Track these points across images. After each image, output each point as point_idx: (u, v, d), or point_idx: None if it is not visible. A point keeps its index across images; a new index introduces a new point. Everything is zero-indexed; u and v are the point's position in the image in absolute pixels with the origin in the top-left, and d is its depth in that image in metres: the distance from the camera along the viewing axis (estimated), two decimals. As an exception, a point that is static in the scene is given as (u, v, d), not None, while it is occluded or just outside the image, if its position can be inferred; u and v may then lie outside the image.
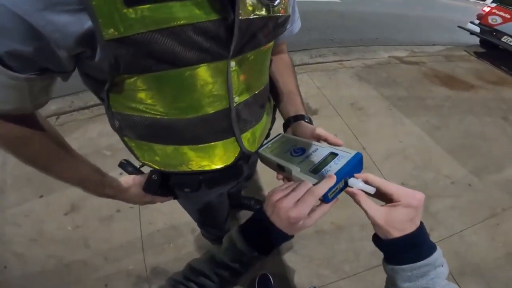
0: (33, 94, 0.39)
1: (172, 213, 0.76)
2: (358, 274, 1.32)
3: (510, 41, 3.46)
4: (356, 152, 0.44)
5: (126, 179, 0.58)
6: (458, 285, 1.30)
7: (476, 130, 2.36)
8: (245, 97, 0.51)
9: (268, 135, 0.70)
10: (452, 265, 1.36)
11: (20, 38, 0.31)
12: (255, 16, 0.43)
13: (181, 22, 0.36)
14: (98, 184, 0.54)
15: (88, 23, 0.32)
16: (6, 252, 1.35)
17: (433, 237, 1.46)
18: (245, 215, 1.55)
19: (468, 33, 4.02)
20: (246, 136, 0.56)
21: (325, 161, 0.44)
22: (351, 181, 0.41)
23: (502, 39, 3.52)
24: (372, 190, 0.39)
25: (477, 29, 3.88)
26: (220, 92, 0.46)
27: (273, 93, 0.65)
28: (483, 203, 1.74)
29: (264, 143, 0.58)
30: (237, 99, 0.49)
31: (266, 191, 1.67)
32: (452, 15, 6.64)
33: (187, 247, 1.37)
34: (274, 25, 0.49)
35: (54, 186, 1.58)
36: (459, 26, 4.15)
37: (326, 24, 5.33)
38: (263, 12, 0.44)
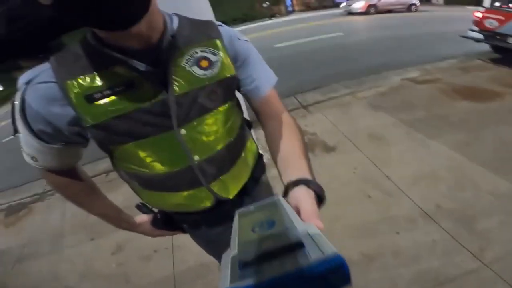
0: (64, 157, 0.62)
1: (201, 252, 1.02)
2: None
3: (517, 42, 3.53)
4: (334, 253, 0.28)
5: (140, 217, 0.83)
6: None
7: (512, 139, 2.42)
8: (205, 155, 0.65)
9: (257, 179, 0.84)
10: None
11: (41, 122, 0.53)
12: (192, 89, 0.57)
13: (130, 109, 0.53)
14: (116, 218, 0.79)
15: (72, 113, 0.52)
16: (58, 286, 1.85)
17: (487, 258, 1.52)
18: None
19: (474, 41, 4.21)
20: (215, 185, 0.70)
21: (281, 252, 0.32)
22: None
23: (508, 41, 3.65)
24: None
25: (480, 35, 4.06)
26: (178, 154, 0.62)
27: (274, 162, 0.65)
28: (540, 214, 1.71)
29: (255, 203, 0.49)
30: (197, 158, 0.64)
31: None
32: (457, 26, 6.92)
33: (215, 282, 1.62)
34: (220, 88, 0.62)
35: (103, 230, 2.13)
36: (461, 36, 4.38)
37: (334, 58, 5.87)
38: (201, 83, 0.58)
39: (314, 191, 0.50)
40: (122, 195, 2.30)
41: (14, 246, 2.34)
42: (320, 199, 0.50)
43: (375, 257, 1.64)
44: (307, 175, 0.54)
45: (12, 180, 3.39)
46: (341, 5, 15.96)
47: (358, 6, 13.54)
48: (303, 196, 0.47)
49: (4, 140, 5.45)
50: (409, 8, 13.58)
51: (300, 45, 7.63)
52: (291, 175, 0.54)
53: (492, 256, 1.54)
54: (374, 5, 13.31)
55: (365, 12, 13.22)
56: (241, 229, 0.42)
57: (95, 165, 3.05)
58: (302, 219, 0.41)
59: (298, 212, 0.44)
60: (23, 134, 0.55)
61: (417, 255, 1.61)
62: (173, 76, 0.56)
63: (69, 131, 0.55)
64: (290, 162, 0.59)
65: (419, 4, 13.92)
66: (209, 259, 1.00)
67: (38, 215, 2.70)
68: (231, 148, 0.70)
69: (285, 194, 0.52)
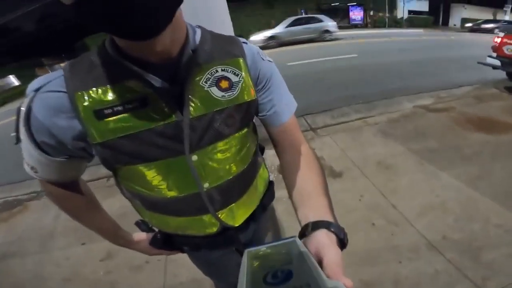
0: (66, 170, 0.60)
1: (195, 267, 1.00)
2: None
3: (535, 70, 3.40)
4: None
5: (139, 235, 0.81)
6: None
7: (526, 174, 2.35)
8: (216, 183, 0.61)
9: (265, 207, 0.82)
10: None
11: (44, 134, 0.50)
12: (208, 112, 0.54)
13: (141, 129, 0.50)
14: (112, 234, 0.78)
15: (79, 127, 0.49)
16: (40, 287, 1.83)
17: (490, 287, 1.50)
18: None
19: (491, 68, 4.15)
20: (223, 213, 0.67)
21: None
22: None
23: None
24: None
25: (497, 62, 3.99)
26: (187, 180, 0.59)
27: (290, 196, 0.61)
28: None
29: (267, 243, 0.44)
30: (206, 185, 0.60)
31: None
32: (473, 51, 6.94)
33: (207, 301, 1.56)
34: (238, 113, 0.58)
35: (96, 236, 2.10)
36: (479, 62, 4.33)
37: (346, 80, 5.92)
38: (218, 106, 0.55)
39: (335, 234, 0.46)
40: (121, 201, 2.29)
41: (0, 242, 2.33)
42: (341, 242, 0.46)
43: (374, 285, 1.60)
44: (327, 216, 0.49)
45: (15, 176, 3.38)
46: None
47: (256, 39, 11.60)
48: (326, 244, 0.43)
49: (13, 134, 5.53)
50: (322, 35, 12.11)
51: (313, 65, 7.75)
52: (309, 215, 0.50)
53: (495, 286, 1.51)
54: (273, 37, 11.72)
55: (265, 47, 11.01)
56: (251, 275, 0.36)
57: (98, 168, 2.98)
58: (325, 273, 0.36)
59: (319, 261, 0.40)
60: (25, 143, 0.53)
61: (418, 284, 1.58)
62: (189, 96, 0.52)
63: (73, 145, 0.52)
64: (308, 199, 0.55)
65: (335, 30, 12.63)
66: (203, 275, 0.97)
67: (33, 213, 2.69)
68: (243, 176, 0.67)
69: (302, 235, 0.48)
